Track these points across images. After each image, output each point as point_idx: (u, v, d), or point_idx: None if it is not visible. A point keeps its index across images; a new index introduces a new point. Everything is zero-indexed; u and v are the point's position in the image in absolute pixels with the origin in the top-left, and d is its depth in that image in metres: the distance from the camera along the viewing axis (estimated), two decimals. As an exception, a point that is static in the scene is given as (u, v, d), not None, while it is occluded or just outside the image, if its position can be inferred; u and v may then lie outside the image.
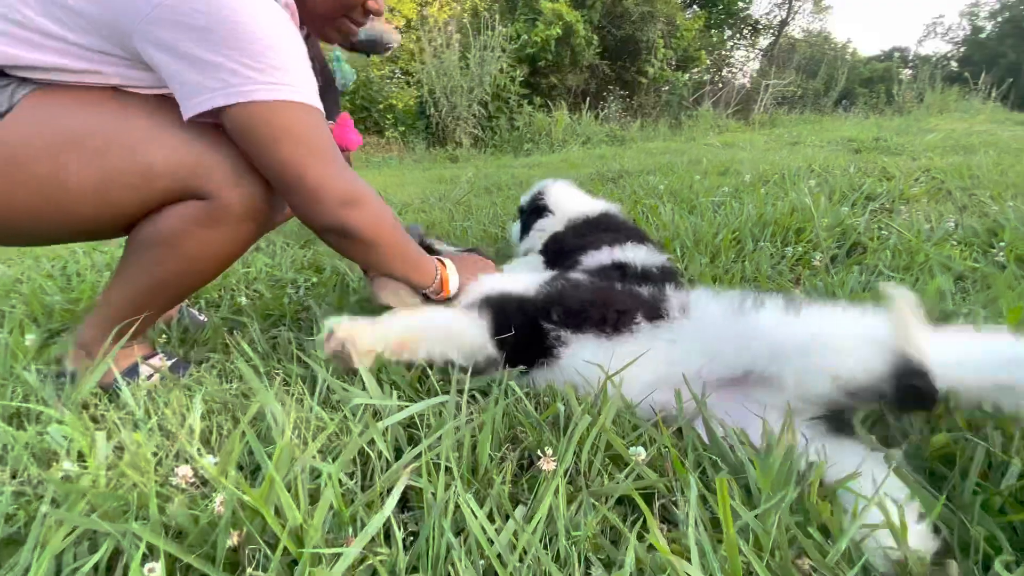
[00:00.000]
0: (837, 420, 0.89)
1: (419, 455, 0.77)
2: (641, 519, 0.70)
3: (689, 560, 0.61)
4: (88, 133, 0.92)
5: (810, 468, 0.75)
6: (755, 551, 0.64)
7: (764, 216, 2.02)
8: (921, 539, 0.66)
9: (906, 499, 0.70)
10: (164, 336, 1.36)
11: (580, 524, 0.69)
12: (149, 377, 1.11)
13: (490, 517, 0.71)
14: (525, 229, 1.83)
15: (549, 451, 0.76)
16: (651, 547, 0.63)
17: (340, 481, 0.73)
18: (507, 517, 0.70)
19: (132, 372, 1.11)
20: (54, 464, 0.80)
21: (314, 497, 0.71)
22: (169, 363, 1.15)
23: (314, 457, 0.74)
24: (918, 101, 9.90)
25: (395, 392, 0.98)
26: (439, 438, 0.82)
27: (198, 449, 0.87)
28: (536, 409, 0.95)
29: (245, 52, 0.87)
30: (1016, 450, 0.77)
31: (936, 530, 0.70)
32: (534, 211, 1.81)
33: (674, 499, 0.75)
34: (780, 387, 0.88)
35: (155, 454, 0.84)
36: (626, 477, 0.77)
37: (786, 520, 0.67)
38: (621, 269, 1.37)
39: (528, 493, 0.77)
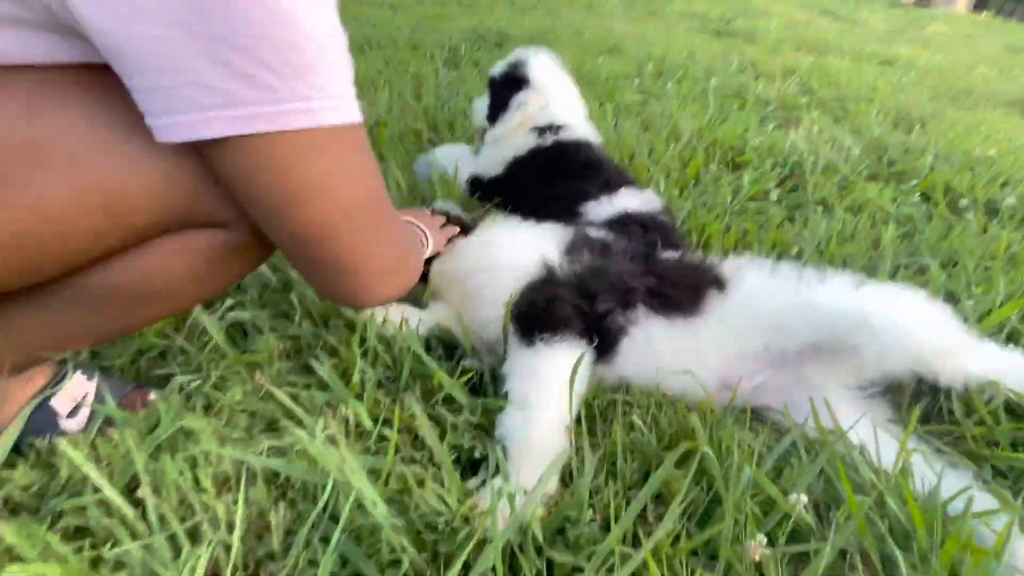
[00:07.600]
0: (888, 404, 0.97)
1: None
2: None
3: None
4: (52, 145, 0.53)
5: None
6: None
7: (703, 131, 1.98)
8: None
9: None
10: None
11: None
12: (74, 412, 0.76)
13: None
14: (499, 104, 1.55)
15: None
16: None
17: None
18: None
19: (43, 416, 0.73)
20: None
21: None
22: (93, 381, 0.78)
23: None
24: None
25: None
26: None
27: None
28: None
29: (263, 48, 0.48)
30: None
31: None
32: (511, 82, 1.55)
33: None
34: (840, 363, 0.93)
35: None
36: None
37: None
38: (633, 222, 1.23)
39: None
